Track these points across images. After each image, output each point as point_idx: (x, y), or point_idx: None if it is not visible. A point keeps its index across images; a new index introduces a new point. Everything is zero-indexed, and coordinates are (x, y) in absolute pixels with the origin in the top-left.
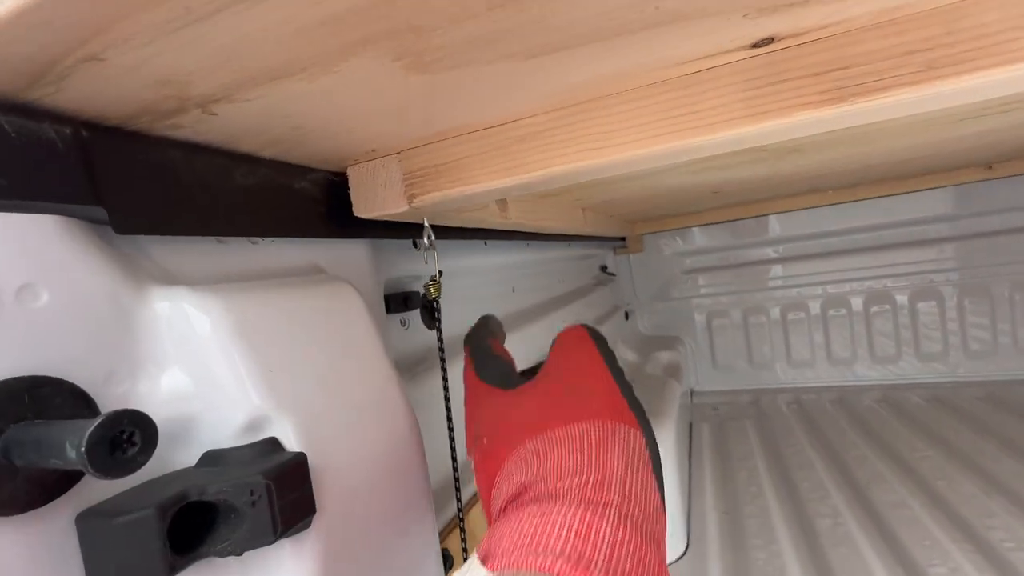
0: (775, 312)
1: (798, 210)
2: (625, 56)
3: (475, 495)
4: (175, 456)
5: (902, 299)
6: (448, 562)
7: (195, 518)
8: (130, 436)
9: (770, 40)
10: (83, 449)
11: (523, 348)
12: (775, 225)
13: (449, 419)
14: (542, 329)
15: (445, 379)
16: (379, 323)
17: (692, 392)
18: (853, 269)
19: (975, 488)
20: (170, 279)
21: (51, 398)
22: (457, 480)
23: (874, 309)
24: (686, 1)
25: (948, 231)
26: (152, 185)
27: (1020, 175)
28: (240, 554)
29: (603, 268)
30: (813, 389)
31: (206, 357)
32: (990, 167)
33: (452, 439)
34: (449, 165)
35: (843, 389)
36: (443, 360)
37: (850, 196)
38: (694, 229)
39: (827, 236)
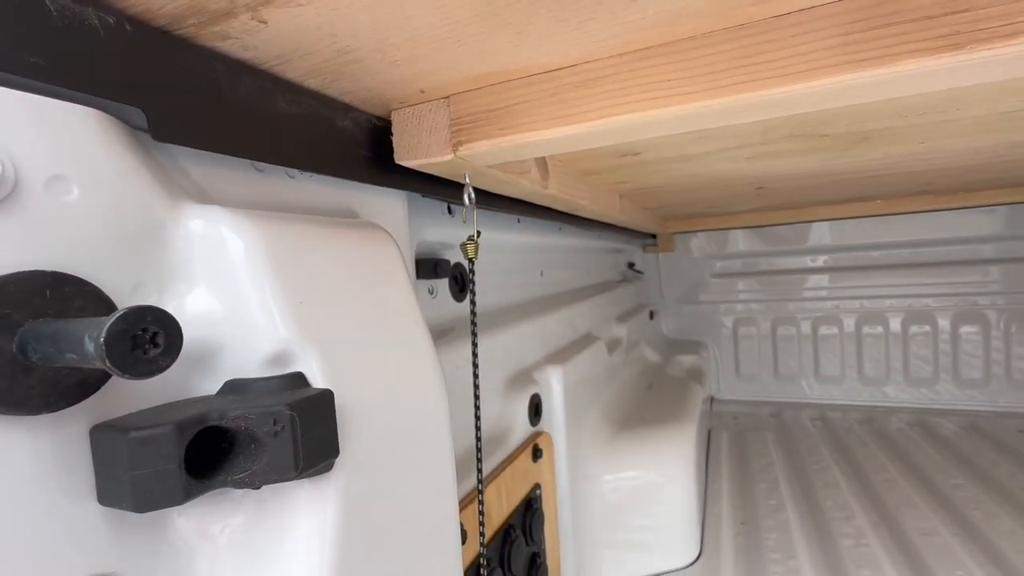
0: (806, 325)
1: (841, 219)
2: None
3: (489, 475)
4: (197, 382)
5: (943, 321)
6: (463, 538)
7: (214, 449)
8: (153, 336)
9: None
10: (102, 341)
11: (548, 331)
12: (814, 234)
13: (476, 393)
14: (567, 317)
15: (475, 348)
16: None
17: (712, 399)
18: (894, 285)
19: (1014, 523)
20: (206, 198)
21: (73, 298)
22: (479, 456)
23: (913, 329)
24: None
25: (998, 252)
26: (194, 96)
27: None
28: (258, 487)
29: (631, 265)
30: (840, 407)
31: (237, 281)
32: None
33: (477, 410)
34: (500, 112)
35: (872, 409)
36: (474, 326)
37: (899, 208)
38: (728, 232)
39: (869, 249)
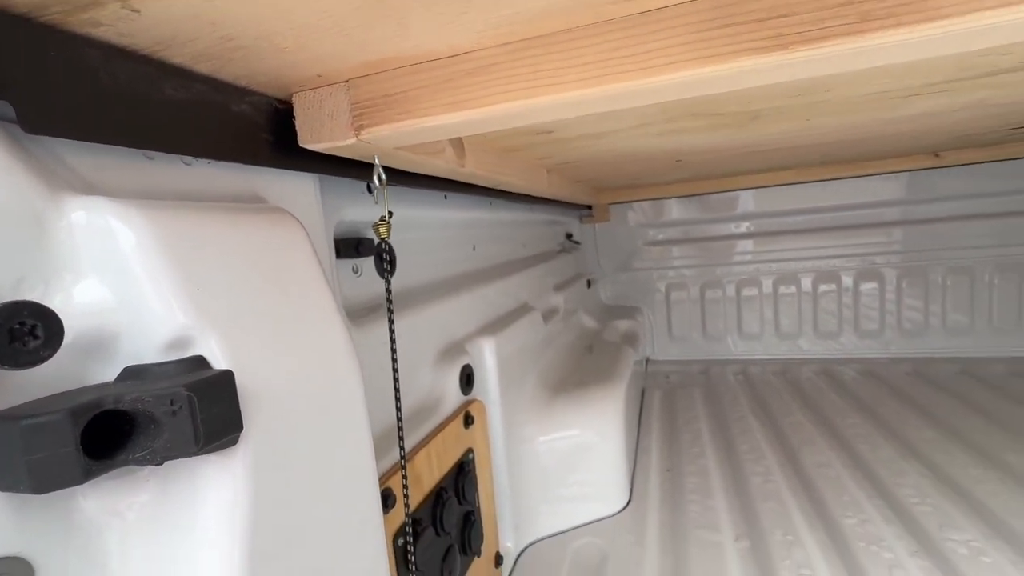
0: (731, 288)
1: (761, 188)
2: None
3: (419, 442)
4: (95, 370)
5: (847, 279)
6: (390, 501)
7: (118, 431)
8: (32, 328)
9: None
10: None
11: (482, 304)
12: (737, 202)
13: (395, 367)
14: (501, 289)
15: (392, 325)
16: (326, 262)
17: (648, 360)
18: (806, 248)
19: (893, 452)
20: (90, 189)
21: None
22: (400, 426)
23: (822, 288)
24: None
25: (895, 216)
26: (67, 85)
27: (964, 165)
28: (160, 463)
29: (569, 236)
30: (759, 361)
31: (128, 271)
32: (937, 155)
33: (397, 387)
34: (398, 96)
35: (787, 362)
36: (389, 304)
37: (809, 176)
38: (659, 202)
39: (785, 215)
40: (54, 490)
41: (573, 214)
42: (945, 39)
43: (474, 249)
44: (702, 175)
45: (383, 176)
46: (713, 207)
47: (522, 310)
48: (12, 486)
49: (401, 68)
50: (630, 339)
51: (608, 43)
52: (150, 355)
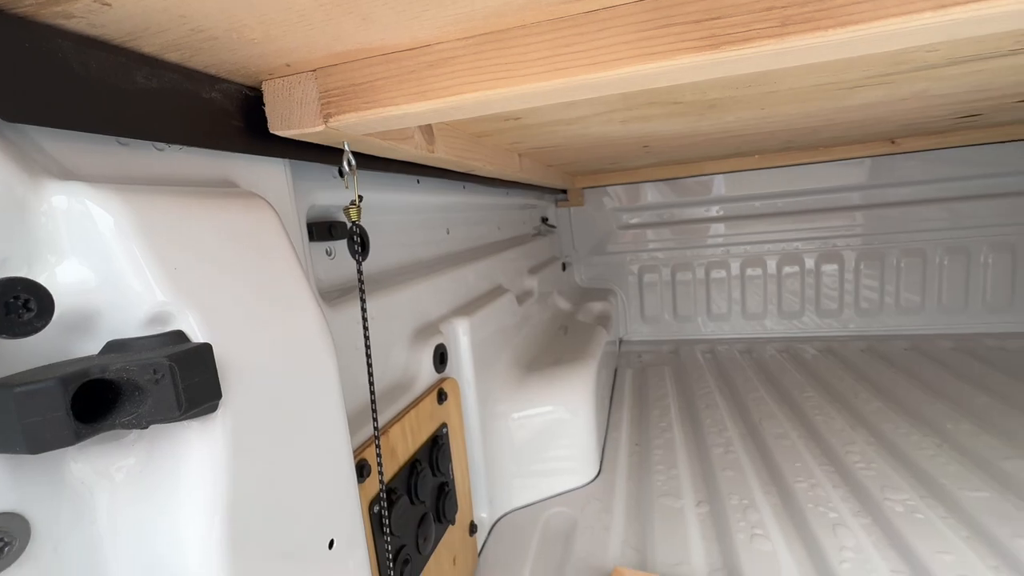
0: (700, 270)
1: (729, 173)
2: None
3: (394, 417)
4: (79, 345)
5: (809, 261)
6: (366, 471)
7: (104, 401)
8: (26, 302)
9: None
10: None
11: (456, 286)
12: (708, 187)
13: (367, 346)
14: (476, 272)
15: (364, 306)
16: (298, 244)
17: (621, 341)
18: (772, 232)
19: (844, 423)
20: (67, 174)
21: None
22: (373, 400)
23: (786, 269)
24: None
25: (855, 200)
26: (42, 74)
27: (919, 152)
28: (145, 426)
29: (544, 220)
30: (727, 340)
31: (107, 252)
32: (893, 142)
33: (369, 364)
34: (364, 86)
35: (752, 341)
36: (361, 285)
37: (774, 162)
38: (632, 186)
39: (752, 199)
40: (47, 450)
41: (548, 198)
42: (855, 42)
43: (448, 232)
44: (671, 160)
45: (352, 161)
46: (684, 192)
47: (496, 292)
48: (9, 448)
49: (367, 59)
50: (603, 320)
51: (559, 39)
52: (131, 330)
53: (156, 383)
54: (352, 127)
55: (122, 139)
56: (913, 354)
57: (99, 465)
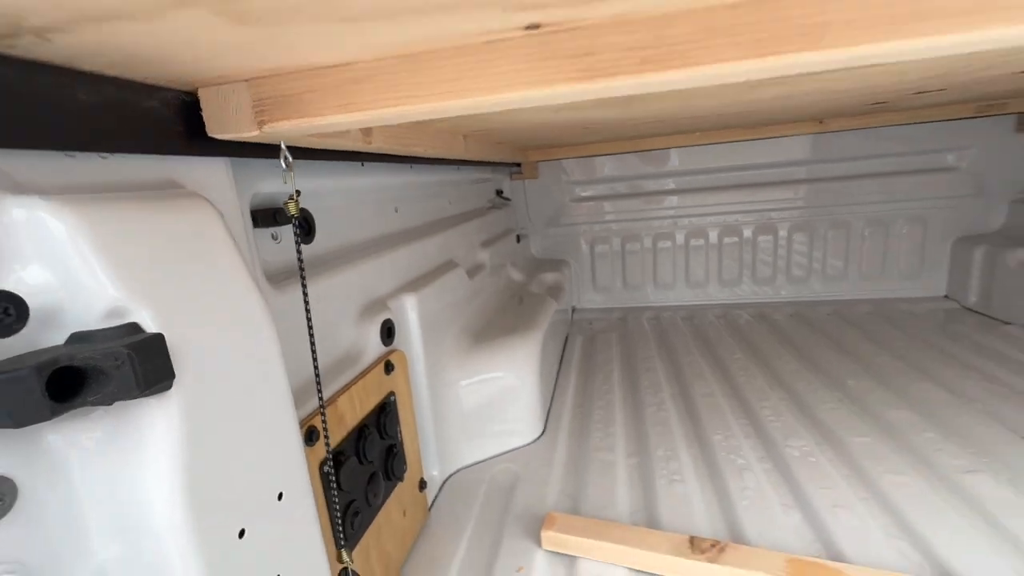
0: (648, 241)
1: (676, 148)
2: (423, 26)
3: (343, 387)
4: (46, 337)
5: (748, 232)
6: (314, 436)
7: (73, 383)
8: (6, 309)
9: (537, 26)
10: None
11: (405, 262)
12: (656, 162)
13: (309, 324)
14: (425, 247)
15: (305, 289)
16: (241, 235)
17: (574, 309)
18: (714, 204)
19: (763, 382)
20: (19, 188)
21: None
22: (318, 373)
23: (726, 240)
24: None
25: (787, 175)
26: None
27: (845, 131)
28: (110, 403)
29: (499, 192)
30: (671, 308)
31: (65, 258)
32: (821, 122)
33: (312, 340)
34: (293, 98)
35: (694, 308)
36: (302, 269)
37: (712, 139)
38: (584, 160)
39: (695, 174)
40: (28, 424)
41: (503, 171)
42: (699, 79)
43: (396, 211)
44: (615, 137)
45: (290, 158)
46: (635, 166)
47: (446, 267)
48: None
49: (295, 73)
50: (554, 291)
51: (464, 64)
52: (92, 323)
53: (118, 368)
54: (286, 132)
55: (69, 152)
56: (835, 318)
57: (72, 437)
